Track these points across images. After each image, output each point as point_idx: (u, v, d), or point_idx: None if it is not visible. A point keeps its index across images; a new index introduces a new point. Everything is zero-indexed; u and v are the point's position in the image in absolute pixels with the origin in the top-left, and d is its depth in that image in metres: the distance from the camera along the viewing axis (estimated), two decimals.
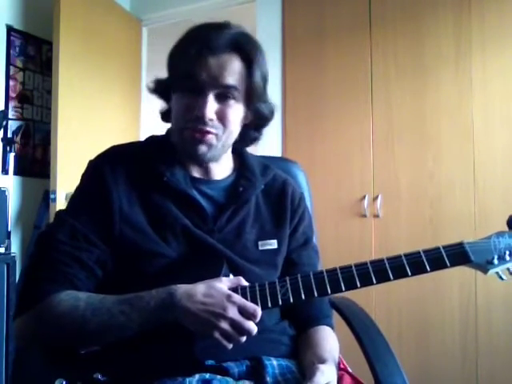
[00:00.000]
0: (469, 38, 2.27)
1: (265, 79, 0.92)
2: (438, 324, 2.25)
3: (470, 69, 2.26)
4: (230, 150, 0.98)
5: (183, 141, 0.89)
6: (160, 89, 0.95)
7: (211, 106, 0.85)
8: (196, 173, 0.95)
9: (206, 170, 0.96)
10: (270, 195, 1.00)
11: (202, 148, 0.88)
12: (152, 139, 0.99)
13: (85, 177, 0.93)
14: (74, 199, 0.92)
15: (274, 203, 1.00)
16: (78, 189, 0.93)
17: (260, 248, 0.94)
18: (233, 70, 0.86)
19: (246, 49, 0.88)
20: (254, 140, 1.00)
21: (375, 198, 2.41)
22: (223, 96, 0.87)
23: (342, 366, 0.97)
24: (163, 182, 0.89)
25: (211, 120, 0.86)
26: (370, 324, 1.04)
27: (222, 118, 0.87)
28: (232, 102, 0.88)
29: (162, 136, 0.99)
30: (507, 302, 2.13)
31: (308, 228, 1.04)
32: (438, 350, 2.24)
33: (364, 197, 2.43)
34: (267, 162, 1.05)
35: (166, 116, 0.98)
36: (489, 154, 2.21)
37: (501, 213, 2.13)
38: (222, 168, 0.98)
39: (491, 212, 2.17)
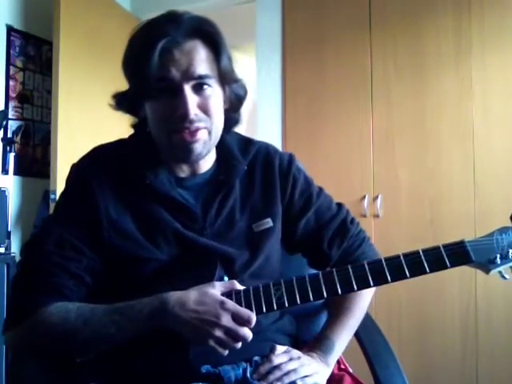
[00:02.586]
0: (469, 37, 2.27)
1: (231, 58, 0.87)
2: (438, 324, 2.25)
3: (470, 69, 2.26)
4: None
5: (173, 146, 0.84)
6: (126, 103, 0.90)
7: (192, 100, 0.81)
8: (181, 172, 0.91)
9: (193, 167, 0.91)
10: (254, 173, 0.95)
11: (197, 148, 0.83)
12: (136, 136, 0.94)
13: (69, 182, 0.89)
14: (60, 206, 0.89)
15: (260, 181, 0.95)
16: (63, 195, 0.89)
17: (255, 230, 0.91)
18: (200, 58, 0.81)
19: (207, 32, 0.83)
20: (236, 123, 0.95)
21: (375, 198, 2.41)
22: (199, 86, 0.82)
23: (342, 366, 0.97)
24: (147, 185, 0.86)
25: (196, 115, 0.81)
26: (370, 324, 1.04)
27: (205, 109, 0.83)
28: (209, 90, 0.83)
29: (146, 133, 0.92)
30: (507, 302, 2.12)
31: (305, 185, 0.98)
32: (438, 350, 2.24)
33: (364, 197, 2.43)
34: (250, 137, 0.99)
35: (138, 127, 0.93)
36: (489, 153, 2.21)
37: (501, 212, 2.12)
38: (207, 160, 0.92)
39: (491, 212, 2.17)
